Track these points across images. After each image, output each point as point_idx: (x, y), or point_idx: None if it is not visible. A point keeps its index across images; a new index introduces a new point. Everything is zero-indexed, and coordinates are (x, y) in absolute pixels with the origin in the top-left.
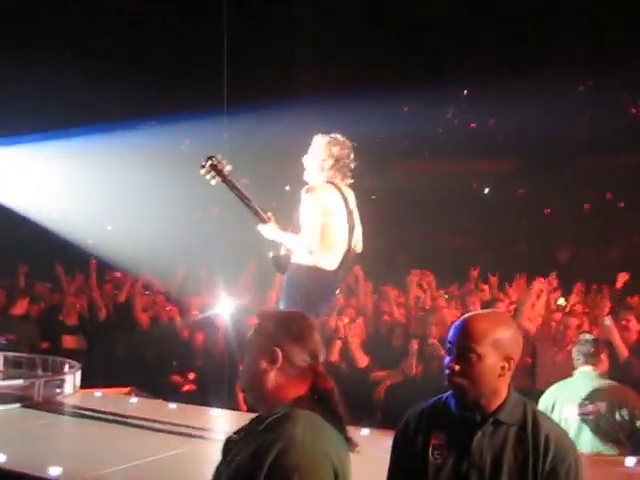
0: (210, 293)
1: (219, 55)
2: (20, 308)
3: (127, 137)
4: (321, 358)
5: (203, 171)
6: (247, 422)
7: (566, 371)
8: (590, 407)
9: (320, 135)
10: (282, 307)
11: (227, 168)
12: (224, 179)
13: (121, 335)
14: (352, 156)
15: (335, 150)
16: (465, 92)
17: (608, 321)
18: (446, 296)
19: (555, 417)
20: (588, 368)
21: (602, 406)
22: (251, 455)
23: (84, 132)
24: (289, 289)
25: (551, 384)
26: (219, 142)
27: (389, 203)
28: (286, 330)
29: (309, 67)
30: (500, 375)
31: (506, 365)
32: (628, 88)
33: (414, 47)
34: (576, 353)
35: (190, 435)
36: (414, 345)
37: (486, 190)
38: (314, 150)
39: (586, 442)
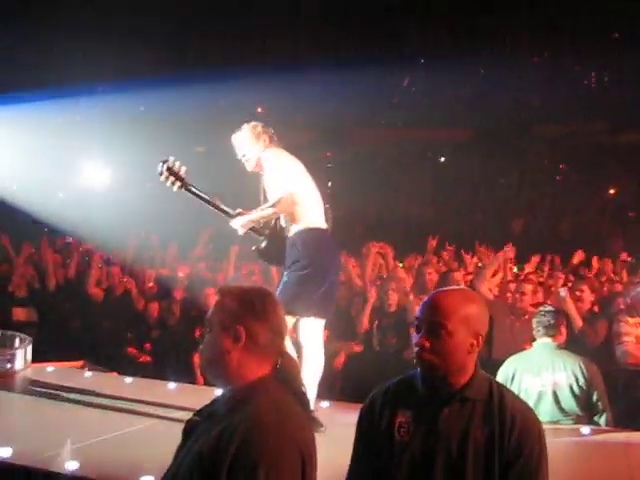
0: (164, 263)
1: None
2: None
3: (80, 101)
4: (284, 336)
5: (162, 178)
6: (208, 402)
7: (523, 340)
8: (549, 378)
9: (237, 132)
10: (295, 274)
11: (183, 170)
12: (183, 184)
13: (73, 307)
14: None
15: (259, 131)
16: (421, 61)
17: (564, 292)
18: (401, 264)
19: (514, 388)
20: (548, 339)
21: (561, 377)
22: (214, 440)
23: (32, 97)
24: (297, 257)
25: (509, 354)
26: (171, 108)
27: (346, 172)
28: (249, 307)
29: (263, 37)
30: (469, 352)
31: (474, 342)
32: (581, 59)
33: (370, 15)
34: (536, 324)
35: (146, 412)
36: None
37: (442, 159)
38: (244, 144)
39: (545, 412)
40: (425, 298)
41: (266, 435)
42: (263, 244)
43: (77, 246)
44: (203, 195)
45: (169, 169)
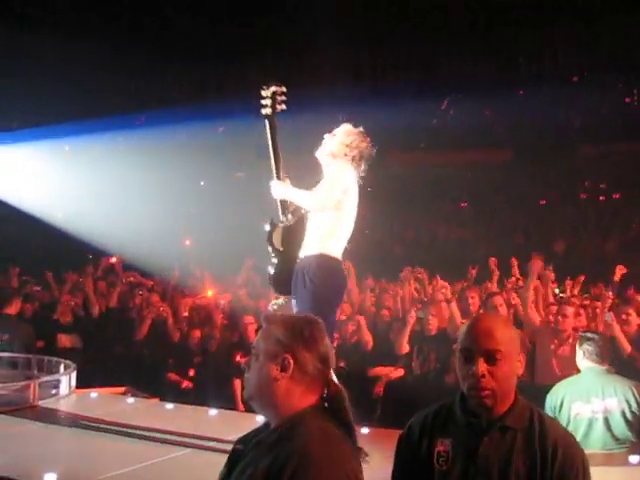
0: (205, 291)
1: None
2: (14, 308)
3: (123, 133)
4: (332, 363)
5: (265, 92)
6: (253, 430)
7: (566, 365)
8: (600, 404)
9: (351, 125)
10: (307, 305)
11: (281, 107)
12: (272, 115)
13: (116, 333)
14: (370, 154)
15: (356, 143)
16: (460, 83)
17: (609, 316)
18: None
19: (564, 415)
20: (595, 365)
21: (612, 403)
22: (264, 472)
23: (73, 129)
24: (304, 282)
25: (551, 378)
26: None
27: (385, 195)
28: (297, 335)
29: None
30: (516, 375)
31: (520, 365)
32: (622, 78)
33: (409, 38)
34: (583, 350)
35: (187, 437)
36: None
37: (482, 181)
38: (342, 135)
39: (597, 440)
40: (468, 327)
41: (317, 470)
42: (282, 221)
43: (121, 273)
44: (276, 139)
45: (274, 94)
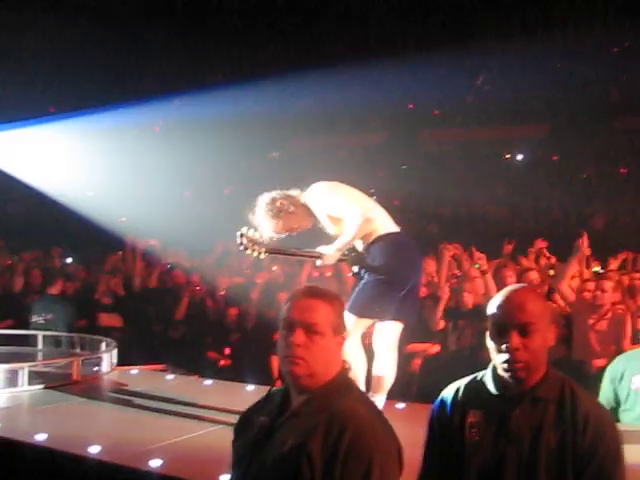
0: (239, 270)
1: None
2: (57, 288)
3: (157, 112)
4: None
5: (245, 250)
6: (260, 401)
7: (605, 340)
8: None
9: (253, 211)
10: (372, 288)
11: (258, 235)
12: (265, 249)
13: (156, 313)
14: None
15: (277, 206)
16: (494, 58)
17: None
18: (477, 266)
19: (623, 388)
20: None
21: None
22: (321, 436)
23: (114, 110)
24: (374, 264)
25: (589, 354)
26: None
27: (420, 173)
28: (342, 312)
29: (337, 36)
30: (548, 347)
31: (552, 337)
32: None
33: (440, 13)
34: None
35: (226, 411)
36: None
37: (519, 157)
38: (265, 220)
39: None
40: (500, 301)
41: (373, 428)
42: (356, 269)
43: (159, 254)
44: (285, 250)
45: (248, 238)
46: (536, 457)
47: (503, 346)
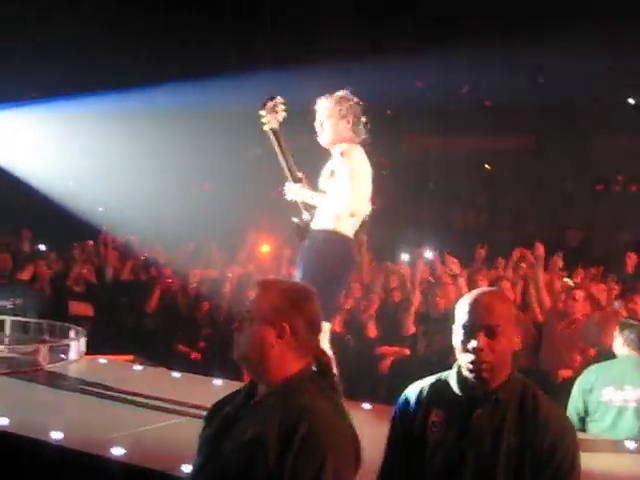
0: (214, 264)
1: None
2: (26, 273)
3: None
4: (320, 332)
5: (263, 112)
6: (231, 394)
7: (571, 349)
8: (634, 394)
9: (325, 97)
10: (304, 275)
11: (282, 115)
12: (274, 130)
13: (127, 304)
14: (363, 113)
15: (348, 108)
16: (477, 67)
17: (618, 304)
18: (451, 272)
19: (593, 399)
20: (634, 353)
21: None
22: (274, 429)
23: (92, 94)
24: (312, 256)
25: (556, 364)
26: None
27: (401, 179)
28: (293, 303)
29: (321, 35)
30: (513, 351)
31: (518, 340)
32: None
33: (427, 19)
34: (623, 337)
35: (191, 405)
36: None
37: (499, 167)
38: (327, 116)
39: (625, 429)
40: (468, 303)
41: (330, 426)
42: (306, 218)
43: (135, 246)
44: (284, 146)
45: (274, 107)
46: (495, 458)
47: (469, 346)
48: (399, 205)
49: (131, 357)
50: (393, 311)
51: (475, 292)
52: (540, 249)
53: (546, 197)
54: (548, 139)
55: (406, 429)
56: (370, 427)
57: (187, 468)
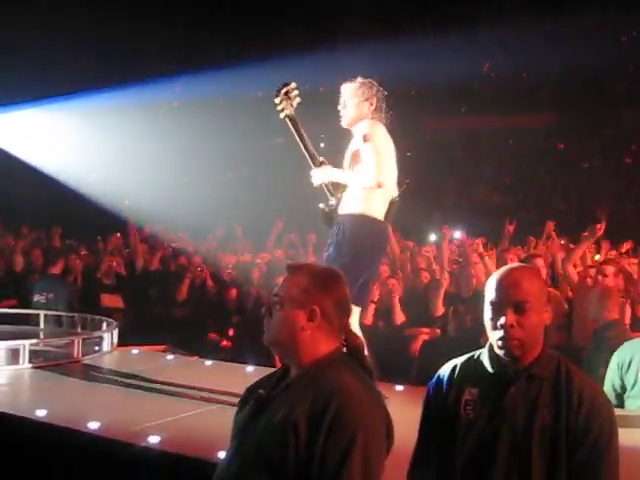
0: (242, 251)
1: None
2: (58, 268)
3: (158, 94)
4: (350, 314)
5: (278, 99)
6: (265, 377)
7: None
8: None
9: (349, 82)
10: (334, 260)
11: (296, 101)
12: (291, 117)
13: (158, 294)
14: (384, 98)
15: (371, 92)
16: (502, 46)
17: None
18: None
19: (631, 375)
20: None
21: None
22: (305, 411)
23: (119, 91)
24: (340, 240)
25: (588, 340)
26: (251, 98)
27: (425, 160)
28: (323, 286)
29: (343, 18)
30: (544, 326)
31: (548, 315)
32: None
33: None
34: None
35: (224, 392)
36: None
37: (523, 145)
38: (351, 96)
39: None
40: (496, 280)
41: (359, 404)
42: (332, 204)
43: (162, 236)
44: (302, 132)
45: (287, 93)
46: (530, 435)
47: (498, 323)
48: (424, 186)
49: (163, 347)
50: (422, 292)
51: (503, 269)
52: (549, 227)
53: (574, 174)
54: (574, 115)
55: (439, 408)
56: (403, 408)
57: (223, 454)
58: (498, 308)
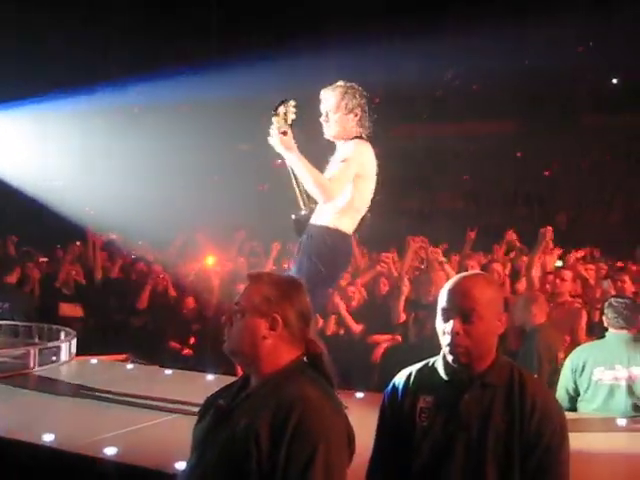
0: (204, 259)
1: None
2: (14, 277)
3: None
4: (311, 322)
5: (275, 118)
6: (225, 387)
7: (564, 330)
8: (624, 372)
9: (331, 87)
10: (299, 270)
11: (291, 118)
12: (284, 132)
13: (117, 303)
14: (368, 105)
15: (355, 101)
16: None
17: (607, 283)
18: (445, 259)
19: (584, 378)
20: (623, 332)
21: (638, 371)
22: (267, 420)
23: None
24: (310, 251)
25: (545, 344)
26: (215, 104)
27: (388, 167)
28: (284, 295)
29: (308, 23)
30: (495, 335)
31: (499, 324)
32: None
33: (414, 7)
34: (613, 315)
35: (183, 401)
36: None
37: (485, 152)
38: (333, 109)
39: (617, 407)
40: (447, 287)
41: (321, 413)
42: (303, 213)
43: (123, 244)
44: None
45: (285, 112)
46: (484, 442)
47: (446, 330)
48: (386, 193)
49: (123, 356)
50: (383, 300)
51: (456, 276)
52: (510, 235)
53: (534, 180)
54: (534, 122)
55: (395, 416)
56: (364, 415)
57: (181, 465)
58: (447, 315)
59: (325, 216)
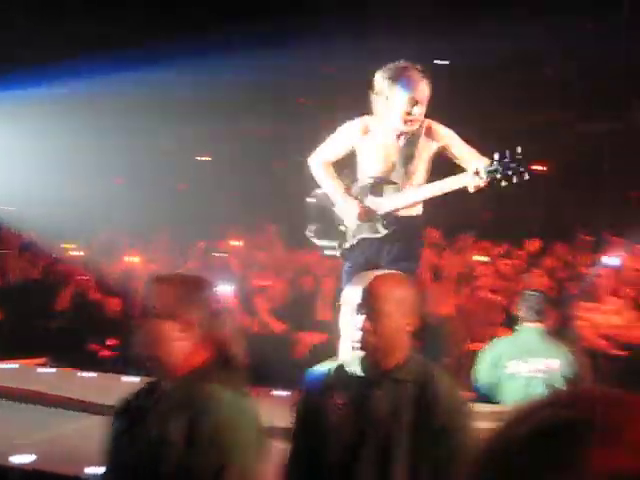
0: (127, 259)
1: None
2: None
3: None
4: (225, 322)
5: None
6: (140, 390)
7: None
8: (539, 364)
9: (424, 79)
10: (411, 267)
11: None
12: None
13: (37, 305)
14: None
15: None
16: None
17: (527, 276)
18: None
19: (499, 373)
20: (537, 324)
21: (553, 364)
22: (185, 422)
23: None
24: (416, 244)
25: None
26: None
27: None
28: (195, 296)
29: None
30: (405, 333)
31: (409, 323)
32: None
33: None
34: (524, 308)
35: (101, 404)
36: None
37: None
38: (425, 100)
39: (534, 399)
40: (355, 284)
41: (234, 421)
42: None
43: (43, 244)
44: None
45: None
46: (392, 437)
47: (354, 327)
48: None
49: (43, 360)
50: (308, 297)
51: (370, 274)
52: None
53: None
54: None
55: (310, 412)
56: (281, 413)
57: (95, 470)
58: (356, 313)
59: (418, 206)
